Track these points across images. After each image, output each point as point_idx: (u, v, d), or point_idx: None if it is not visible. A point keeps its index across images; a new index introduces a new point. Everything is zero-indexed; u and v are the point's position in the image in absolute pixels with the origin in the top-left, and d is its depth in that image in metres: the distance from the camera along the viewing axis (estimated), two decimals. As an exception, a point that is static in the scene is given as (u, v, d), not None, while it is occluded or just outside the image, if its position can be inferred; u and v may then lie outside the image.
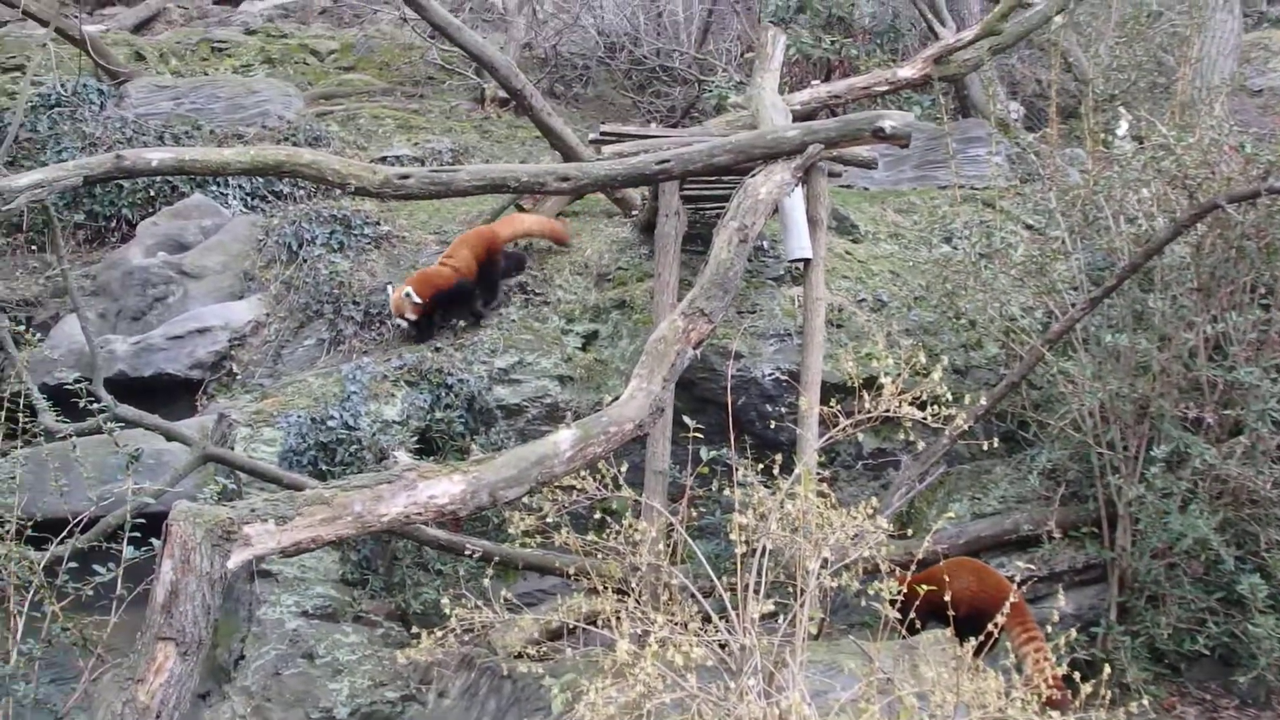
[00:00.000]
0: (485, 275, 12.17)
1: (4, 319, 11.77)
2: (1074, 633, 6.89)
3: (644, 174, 9.79)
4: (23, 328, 10.04)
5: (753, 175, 9.41)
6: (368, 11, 23.03)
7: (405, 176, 9.35)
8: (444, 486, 6.81)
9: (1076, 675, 6.40)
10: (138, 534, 7.29)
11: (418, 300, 11.67)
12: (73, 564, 7.28)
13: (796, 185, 9.79)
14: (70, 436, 8.84)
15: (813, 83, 14.27)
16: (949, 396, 7.12)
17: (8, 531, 7.13)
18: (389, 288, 12.08)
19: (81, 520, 7.60)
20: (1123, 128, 11.26)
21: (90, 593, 7.17)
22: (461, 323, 12.15)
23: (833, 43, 15.78)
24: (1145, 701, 7.24)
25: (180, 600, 5.84)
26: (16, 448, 8.10)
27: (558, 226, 13.08)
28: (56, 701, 6.82)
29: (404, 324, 11.92)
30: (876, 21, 17.17)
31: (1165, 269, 9.80)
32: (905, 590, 7.30)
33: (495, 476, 6.97)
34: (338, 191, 13.49)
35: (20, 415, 8.32)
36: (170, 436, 10.57)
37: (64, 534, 7.44)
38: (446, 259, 12.10)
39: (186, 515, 6.04)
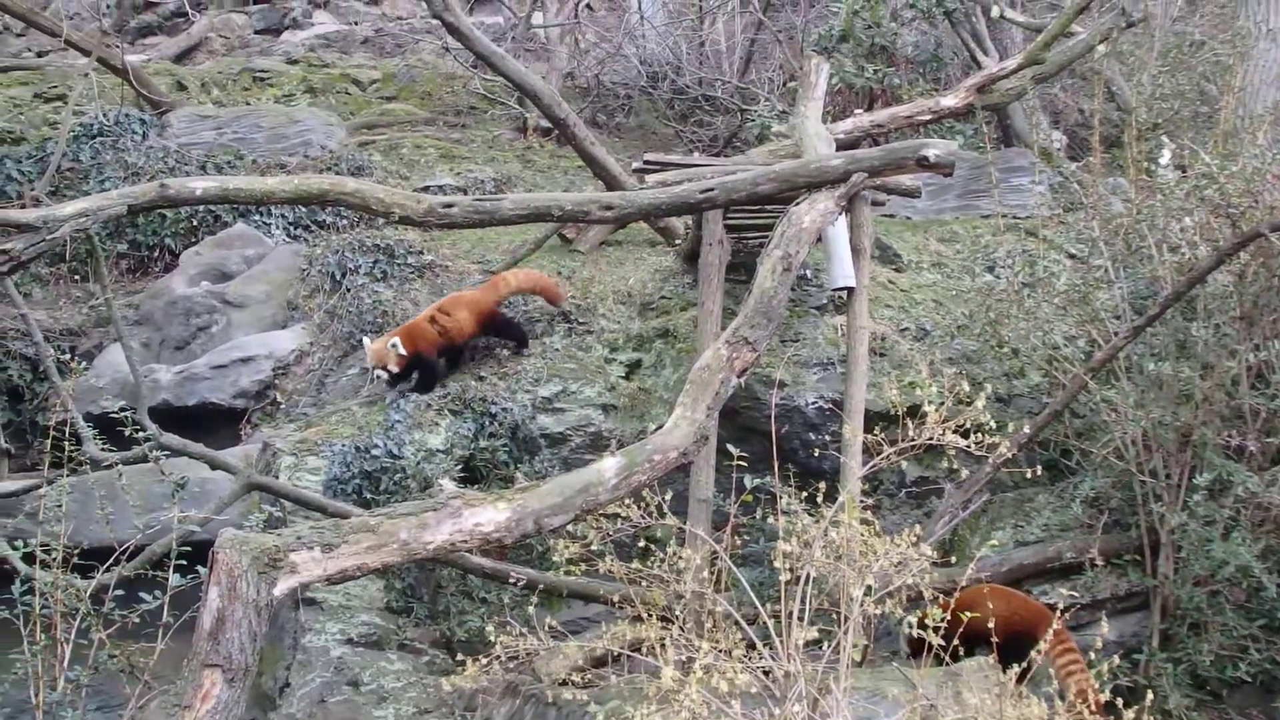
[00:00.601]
0: (495, 330, 12.21)
1: (49, 348, 11.88)
2: (1117, 659, 6.90)
3: (688, 202, 9.79)
4: (68, 356, 10.11)
5: (797, 204, 9.38)
6: (410, 41, 23.14)
7: (449, 205, 9.37)
8: (489, 514, 6.83)
9: (1119, 702, 6.40)
10: (183, 562, 7.33)
11: (403, 353, 11.45)
12: (119, 591, 7.32)
13: (840, 214, 9.78)
14: (116, 465, 8.89)
15: (855, 112, 14.25)
16: (993, 424, 7.12)
17: (55, 559, 7.18)
18: (366, 339, 11.88)
19: (127, 548, 7.65)
20: (1165, 156, 11.24)
21: (137, 620, 7.20)
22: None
23: (875, 72, 15.79)
24: (1188, 729, 7.23)
25: (227, 627, 5.87)
26: (63, 476, 8.15)
27: (550, 283, 12.73)
28: (103, 729, 6.89)
29: (383, 375, 11.61)
30: (919, 51, 17.16)
31: (1208, 297, 9.77)
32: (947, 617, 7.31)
33: (540, 504, 6.98)
34: (381, 221, 13.61)
35: (66, 445, 8.37)
36: (215, 465, 10.63)
37: (110, 562, 7.49)
38: (439, 316, 11.87)
39: (233, 543, 6.09)
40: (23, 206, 13.20)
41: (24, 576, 7.54)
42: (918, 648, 7.59)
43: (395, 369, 11.46)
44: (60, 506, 7.65)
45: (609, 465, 7.34)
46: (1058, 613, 7.33)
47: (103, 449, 9.42)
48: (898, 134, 14.11)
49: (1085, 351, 10.48)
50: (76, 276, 14.95)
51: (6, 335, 13.25)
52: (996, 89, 14.42)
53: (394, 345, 11.37)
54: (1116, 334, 9.93)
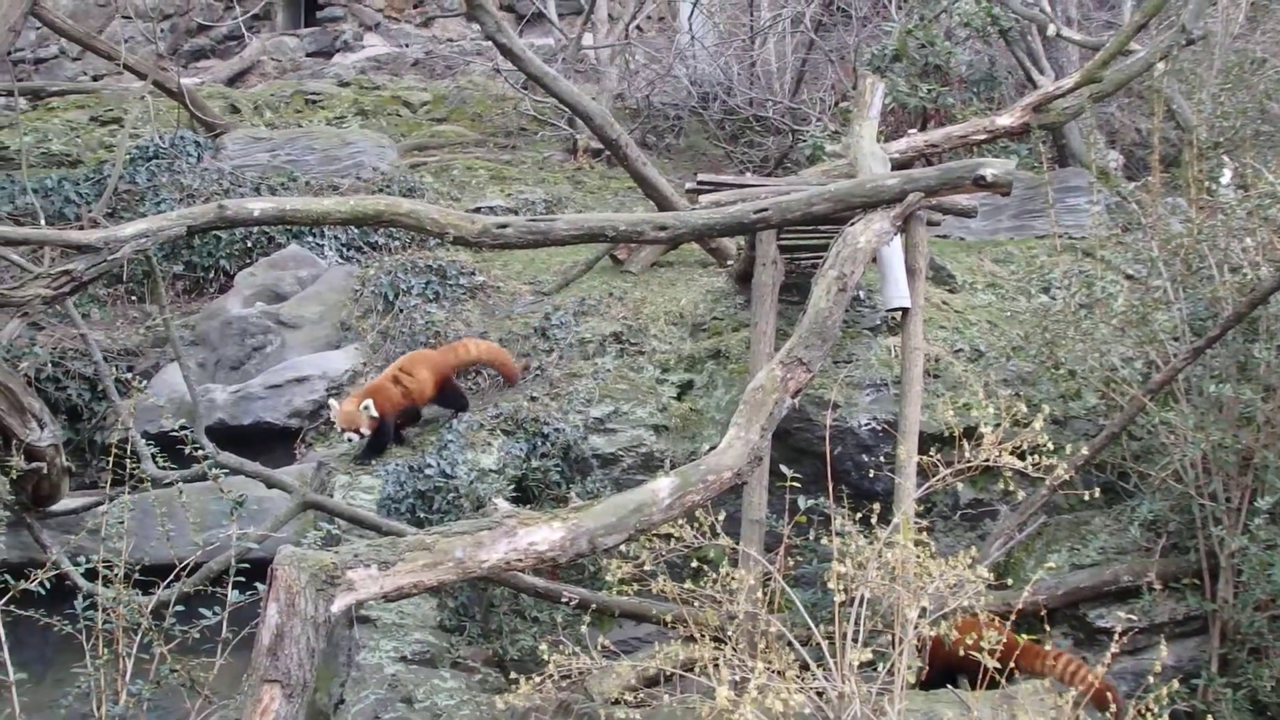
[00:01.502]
0: (444, 396, 11.88)
1: (108, 368, 11.97)
2: (1175, 684, 6.84)
3: (742, 223, 9.77)
4: (129, 375, 10.21)
5: (852, 224, 9.37)
6: (460, 63, 23.22)
7: (503, 226, 9.41)
8: (544, 533, 6.85)
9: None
10: (242, 579, 7.40)
11: (374, 415, 11.09)
12: (179, 608, 7.39)
13: (895, 234, 9.75)
14: (175, 483, 8.96)
15: (909, 131, 14.23)
16: (1049, 446, 7.08)
17: (117, 575, 7.25)
18: (333, 401, 11.45)
19: (187, 565, 7.72)
20: (1226, 176, 11.17)
21: (197, 635, 7.27)
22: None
23: (929, 91, 15.71)
24: (1246, 754, 7.17)
25: (285, 643, 5.92)
26: (124, 493, 8.23)
27: (508, 359, 12.46)
28: (164, 743, 6.95)
29: (354, 438, 11.18)
30: (974, 70, 17.07)
31: (1270, 318, 9.68)
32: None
33: (594, 524, 7.00)
34: (434, 241, 13.68)
35: (127, 462, 8.45)
36: (270, 484, 10.73)
37: (170, 578, 7.56)
38: (402, 376, 11.53)
39: (291, 560, 6.14)
40: (81, 228, 13.31)
41: (86, 592, 7.62)
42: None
43: (367, 431, 11.11)
44: (121, 523, 7.72)
45: (663, 485, 7.35)
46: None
47: (163, 466, 9.50)
48: (952, 154, 14.08)
49: (1143, 373, 10.42)
50: (133, 297, 15.11)
51: (66, 355, 13.38)
52: (1053, 108, 14.34)
53: (365, 408, 11.02)
54: (1176, 355, 9.87)
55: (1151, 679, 6.87)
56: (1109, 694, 8.47)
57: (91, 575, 7.78)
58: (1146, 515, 9.93)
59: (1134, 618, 9.22)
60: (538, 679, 7.48)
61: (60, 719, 7.18)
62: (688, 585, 7.73)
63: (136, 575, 7.39)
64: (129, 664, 6.98)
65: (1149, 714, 6.38)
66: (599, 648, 7.59)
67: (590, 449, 11.48)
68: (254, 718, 5.81)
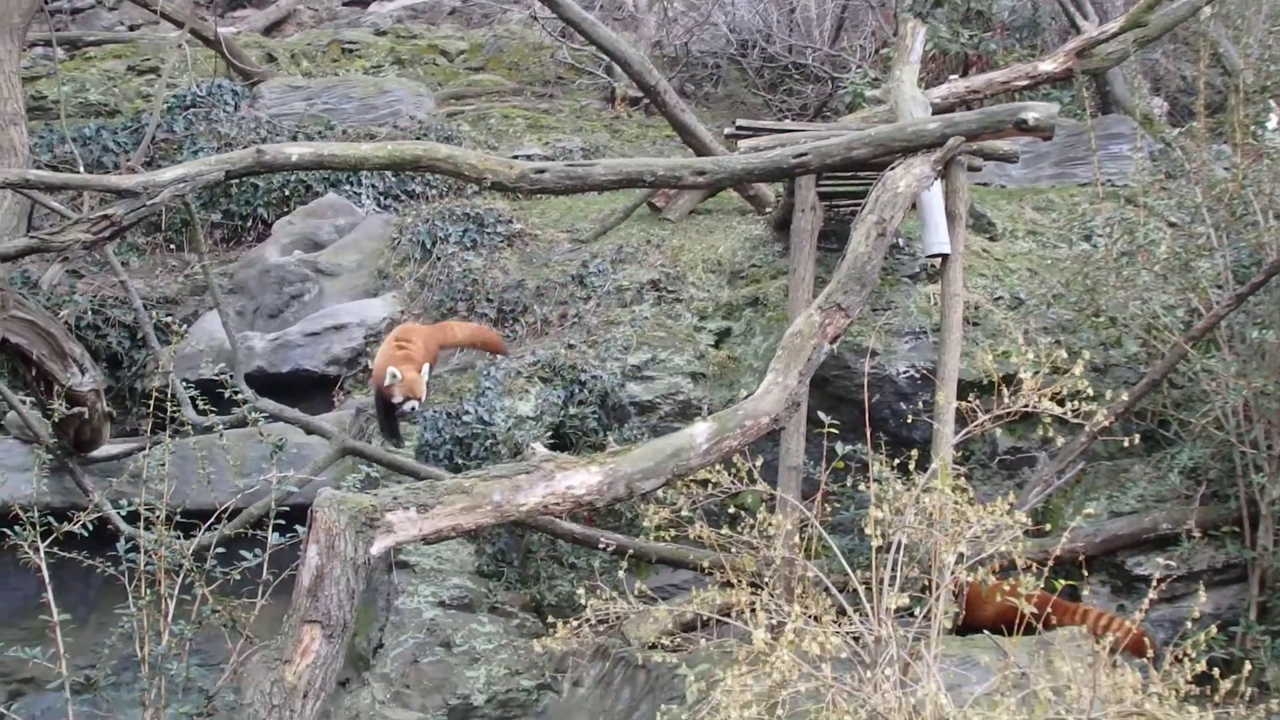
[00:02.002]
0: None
1: (148, 315, 12.02)
2: (1213, 630, 6.81)
3: (781, 168, 9.70)
4: (170, 319, 10.25)
5: (892, 168, 9.29)
6: (497, 11, 23.13)
7: (541, 171, 9.36)
8: (581, 477, 6.86)
9: (1215, 673, 6.32)
10: (281, 522, 7.44)
11: (427, 381, 10.96)
12: (220, 550, 7.44)
13: (935, 179, 9.67)
14: (216, 429, 9.01)
15: (950, 78, 14.11)
16: (1089, 392, 7.03)
17: (158, 518, 7.29)
18: (394, 371, 10.66)
19: (227, 508, 7.76)
20: (1273, 121, 11.06)
21: (238, 577, 7.32)
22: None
23: (971, 37, 15.56)
24: (1284, 700, 7.15)
25: (325, 584, 5.97)
26: (168, 437, 8.29)
27: (493, 336, 12.28)
28: (206, 683, 6.98)
29: (415, 406, 10.82)
30: (1016, 15, 16.95)
31: (1315, 264, 9.62)
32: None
33: (632, 468, 7.00)
34: (472, 189, 13.66)
35: (168, 405, 8.48)
36: (309, 430, 10.76)
37: (210, 521, 7.61)
38: (407, 345, 11.06)
39: (331, 502, 6.18)
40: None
41: (127, 535, 7.67)
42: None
43: (424, 399, 10.93)
44: (163, 466, 7.77)
45: (700, 430, 7.35)
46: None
47: (201, 413, 9.55)
48: (993, 100, 13.90)
49: (1185, 320, 10.35)
50: (172, 246, 15.17)
51: (106, 303, 13.47)
52: (1096, 53, 14.21)
53: (424, 372, 10.84)
54: (1218, 302, 9.80)
55: (1189, 625, 6.84)
56: (1145, 641, 8.48)
57: (133, 519, 7.83)
58: (1186, 463, 9.92)
59: (1172, 564, 9.20)
60: (575, 623, 7.50)
61: (104, 659, 7.23)
62: (725, 531, 7.71)
63: (177, 519, 7.44)
64: (171, 605, 7.04)
65: (1186, 660, 6.34)
66: (636, 593, 7.60)
67: (627, 396, 11.50)
68: (295, 657, 5.87)
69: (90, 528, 7.53)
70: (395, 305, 13.37)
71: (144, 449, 10.37)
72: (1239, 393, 9.47)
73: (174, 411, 8.54)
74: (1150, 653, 7.53)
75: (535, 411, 11.12)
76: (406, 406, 10.64)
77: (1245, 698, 6.28)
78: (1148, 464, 10.60)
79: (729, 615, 7.24)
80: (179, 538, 7.37)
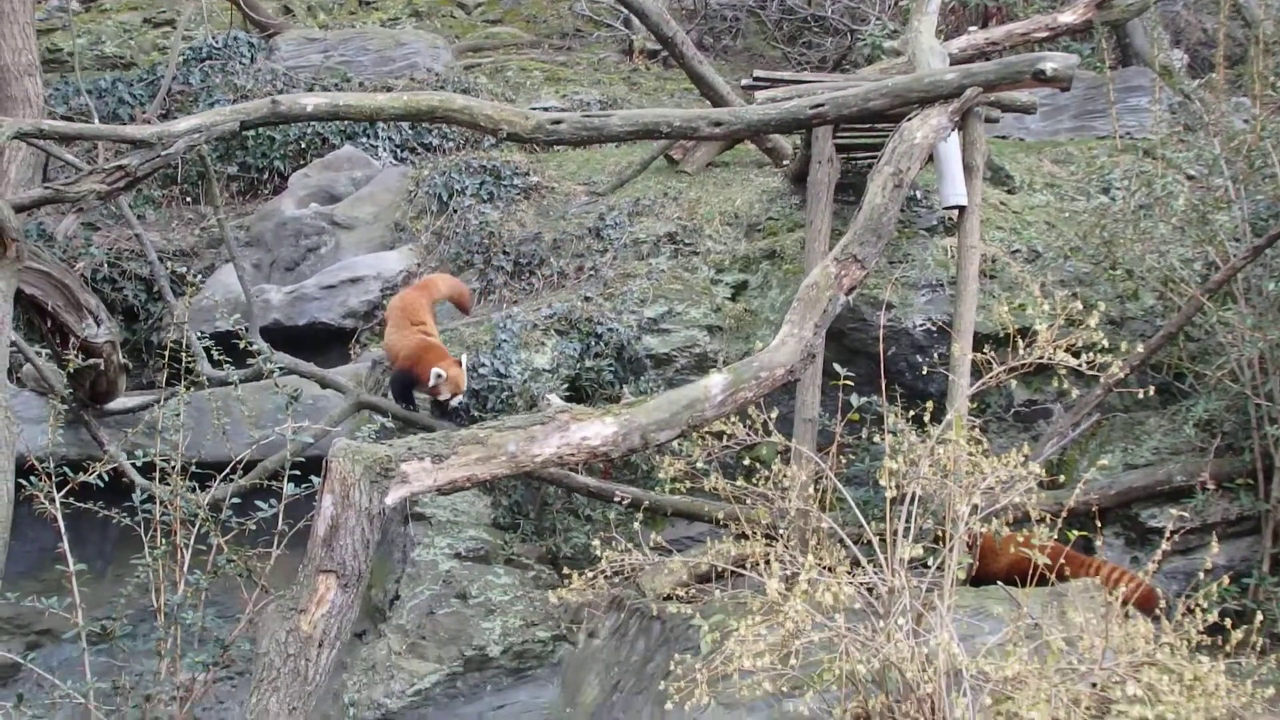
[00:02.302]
0: None
1: (163, 268, 12.03)
2: (1226, 581, 6.82)
3: (798, 118, 9.65)
4: (186, 271, 10.25)
5: (909, 119, 9.24)
6: (514, -37, 23.03)
7: (557, 122, 9.33)
8: (596, 428, 6.86)
9: (1228, 623, 6.34)
10: (296, 473, 7.46)
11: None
12: (235, 500, 7.45)
13: (953, 130, 9.63)
14: (231, 382, 9.01)
15: (969, 30, 14.01)
16: (1104, 344, 7.03)
17: (173, 468, 7.31)
18: (439, 371, 10.22)
19: (242, 459, 7.77)
20: (1293, 73, 10.99)
21: (253, 527, 7.33)
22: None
23: (990, -12, 15.51)
24: (1295, 651, 7.16)
25: (340, 534, 5.98)
26: (184, 389, 8.30)
27: (464, 290, 12.09)
28: (222, 633, 7.00)
29: (462, 400, 10.50)
30: (1035, -34, 16.83)
31: (1333, 216, 9.61)
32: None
33: (647, 419, 7.00)
34: (489, 142, 13.63)
35: (183, 355, 8.49)
36: (325, 384, 10.78)
37: (225, 472, 7.62)
38: (422, 326, 10.79)
39: (346, 452, 6.18)
40: (135, 129, 13.39)
41: (142, 487, 7.68)
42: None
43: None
44: (178, 416, 7.79)
45: (715, 382, 7.35)
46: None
47: (217, 366, 9.57)
48: (1012, 52, 13.79)
49: (1202, 273, 10.34)
50: (188, 199, 15.17)
51: (122, 256, 13.48)
52: (1116, 5, 14.06)
53: (464, 363, 10.56)
54: (1235, 255, 9.77)
55: (1202, 577, 6.86)
56: (1154, 596, 8.50)
57: (148, 470, 7.85)
58: (1201, 415, 9.92)
59: (1186, 516, 9.22)
60: (590, 575, 7.51)
61: (120, 610, 7.26)
62: (740, 483, 7.73)
63: (193, 470, 7.45)
64: (187, 555, 7.05)
65: (1198, 612, 6.36)
66: (651, 545, 7.61)
67: (644, 349, 11.50)
68: (310, 607, 5.88)
69: (105, 479, 7.53)
70: (412, 258, 13.38)
71: (159, 401, 10.38)
72: (1255, 345, 9.46)
73: (189, 363, 8.55)
74: (1159, 607, 7.54)
75: (551, 364, 11.12)
76: (455, 402, 10.41)
77: (1256, 648, 6.30)
78: (1163, 416, 10.61)
79: (744, 567, 7.26)
80: (194, 489, 7.37)
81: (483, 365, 10.89)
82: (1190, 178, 11.23)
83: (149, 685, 6.72)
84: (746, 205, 12.92)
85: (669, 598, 8.83)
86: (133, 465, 8.62)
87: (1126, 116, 13.54)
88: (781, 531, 7.34)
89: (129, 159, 8.19)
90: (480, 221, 13.18)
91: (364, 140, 15.45)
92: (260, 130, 14.85)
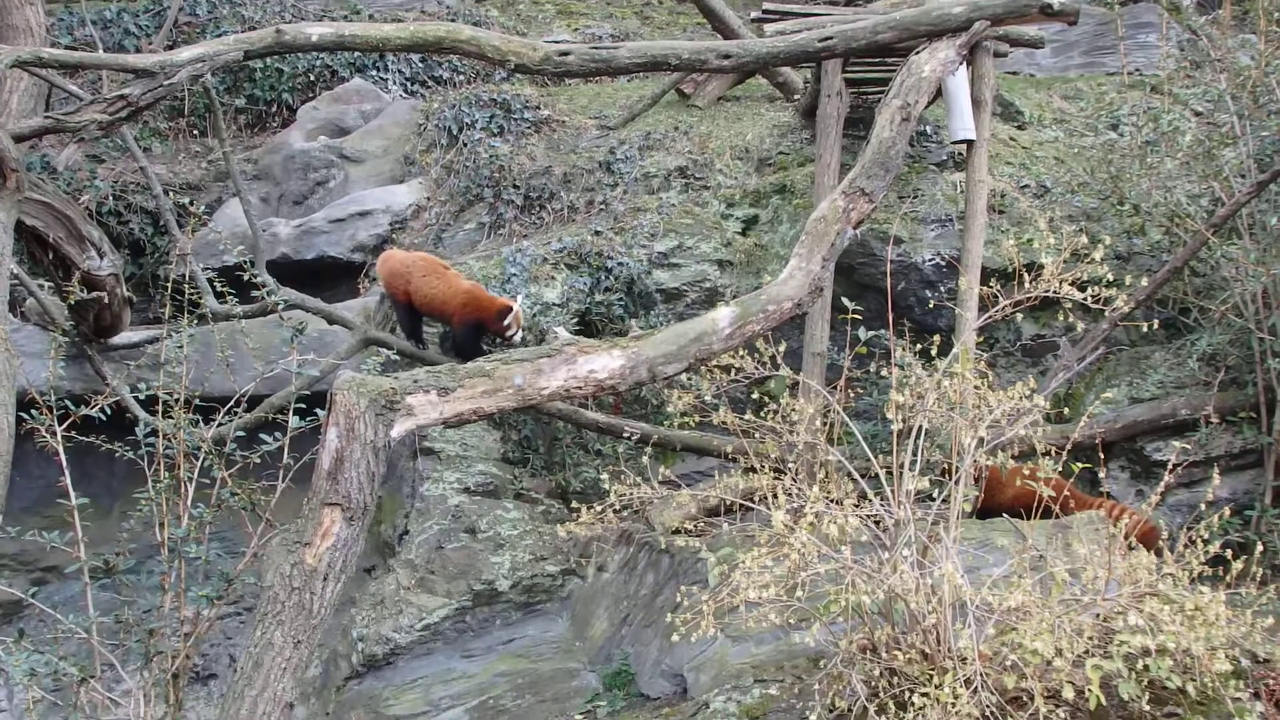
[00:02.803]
0: None
1: (168, 200, 11.99)
2: (1227, 512, 6.87)
3: (806, 51, 9.61)
4: (188, 201, 10.19)
5: (917, 52, 9.21)
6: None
7: (565, 54, 9.29)
8: (603, 361, 6.85)
9: (1229, 555, 6.39)
10: (302, 406, 7.43)
11: None
12: (240, 433, 7.43)
13: (961, 64, 9.61)
14: (236, 316, 8.97)
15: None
16: (1110, 277, 7.05)
17: (177, 400, 7.28)
18: (511, 309, 10.19)
19: (246, 392, 7.73)
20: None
21: (258, 461, 7.29)
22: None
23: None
24: (1296, 581, 7.22)
25: (345, 467, 5.93)
26: (185, 323, 8.26)
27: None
28: (227, 566, 6.98)
29: (523, 336, 10.37)
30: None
31: (1336, 152, 9.61)
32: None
33: (654, 352, 6.99)
34: (499, 75, 13.59)
35: (185, 290, 8.44)
36: (332, 320, 10.71)
37: (230, 405, 7.59)
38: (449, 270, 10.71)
39: (351, 385, 6.12)
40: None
41: (145, 421, 7.64)
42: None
43: None
44: (180, 349, 7.74)
45: (723, 314, 7.34)
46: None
47: (223, 301, 9.55)
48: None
49: (1207, 209, 10.35)
50: (195, 132, 15.10)
51: (127, 189, 13.46)
52: (1125, -60, 14.03)
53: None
54: (1240, 190, 9.78)
55: (1204, 508, 6.91)
56: (1156, 533, 8.57)
57: (151, 404, 7.82)
58: (1205, 349, 9.95)
59: (1189, 449, 9.30)
60: (599, 509, 7.51)
61: (123, 543, 7.25)
62: (749, 417, 7.75)
63: (198, 404, 7.41)
64: (190, 489, 7.00)
65: (1200, 543, 6.41)
66: (660, 480, 7.63)
67: (654, 284, 11.50)
68: (315, 540, 5.85)
69: (108, 413, 7.48)
70: (421, 192, 13.36)
71: (164, 336, 10.35)
72: (1258, 280, 9.49)
73: (193, 295, 8.52)
74: (1161, 542, 7.63)
75: (561, 298, 11.12)
76: (518, 338, 10.23)
77: (1257, 579, 6.36)
78: (1168, 351, 10.65)
79: (752, 501, 7.30)
80: (197, 422, 7.35)
81: (492, 299, 10.89)
82: (1197, 114, 11.24)
83: (153, 620, 6.71)
84: (757, 140, 12.91)
85: (677, 532, 8.86)
86: (136, 399, 8.60)
87: (1135, 53, 13.53)
88: (790, 465, 7.36)
89: (131, 88, 8.14)
90: (490, 155, 13.13)
91: (373, 73, 15.41)
92: (268, 62, 14.83)
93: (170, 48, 14.61)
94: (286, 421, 7.12)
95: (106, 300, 10.11)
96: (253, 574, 6.96)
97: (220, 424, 7.43)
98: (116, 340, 10.95)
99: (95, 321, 10.43)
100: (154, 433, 7.13)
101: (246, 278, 8.59)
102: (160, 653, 6.58)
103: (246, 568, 6.93)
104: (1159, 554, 6.67)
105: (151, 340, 10.87)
